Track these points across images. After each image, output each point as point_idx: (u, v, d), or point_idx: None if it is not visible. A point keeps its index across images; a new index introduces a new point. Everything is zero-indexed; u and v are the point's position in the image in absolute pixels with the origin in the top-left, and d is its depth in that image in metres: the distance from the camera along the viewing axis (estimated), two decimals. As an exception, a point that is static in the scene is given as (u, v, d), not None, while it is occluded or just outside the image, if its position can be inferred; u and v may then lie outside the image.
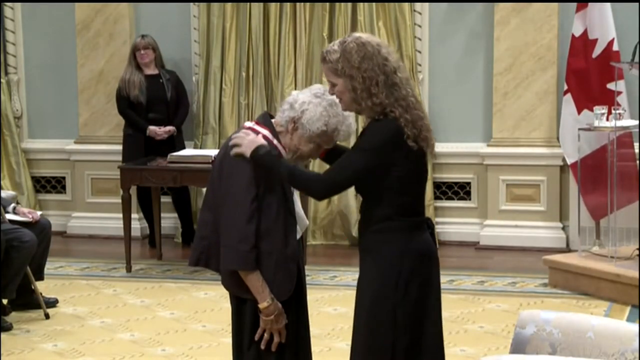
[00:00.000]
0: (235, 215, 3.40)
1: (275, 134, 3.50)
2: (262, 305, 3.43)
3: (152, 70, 7.96)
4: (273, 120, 3.54)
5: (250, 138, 3.42)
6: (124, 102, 7.92)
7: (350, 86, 3.31)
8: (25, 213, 6.26)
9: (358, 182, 3.38)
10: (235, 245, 3.39)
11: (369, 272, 3.40)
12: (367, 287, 3.40)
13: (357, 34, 3.40)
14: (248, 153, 3.38)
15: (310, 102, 3.44)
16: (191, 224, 8.16)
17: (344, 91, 3.34)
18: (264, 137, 3.47)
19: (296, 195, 3.58)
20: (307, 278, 6.86)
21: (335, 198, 8.12)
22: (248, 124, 3.56)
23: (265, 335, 3.47)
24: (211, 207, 3.52)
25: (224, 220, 3.43)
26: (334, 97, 3.41)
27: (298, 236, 3.54)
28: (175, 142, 7.92)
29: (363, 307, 3.41)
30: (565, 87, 7.46)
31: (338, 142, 3.59)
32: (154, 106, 7.92)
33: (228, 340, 5.36)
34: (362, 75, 3.28)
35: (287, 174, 3.37)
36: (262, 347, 3.48)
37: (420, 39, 8.05)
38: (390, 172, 3.31)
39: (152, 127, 7.86)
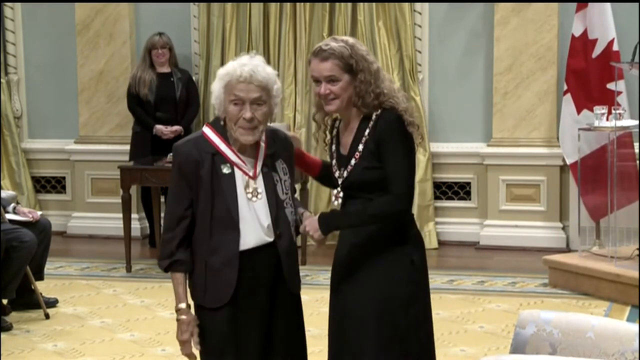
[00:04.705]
0: (166, 220, 3.38)
1: (226, 137, 3.30)
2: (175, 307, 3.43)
3: (164, 69, 7.94)
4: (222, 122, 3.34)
5: (309, 226, 3.49)
6: (133, 100, 7.90)
7: (357, 81, 3.31)
8: (26, 213, 6.26)
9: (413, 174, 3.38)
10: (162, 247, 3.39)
11: (377, 264, 3.39)
12: (376, 281, 3.38)
13: (339, 37, 3.42)
14: (321, 234, 3.51)
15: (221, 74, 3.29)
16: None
17: (346, 87, 3.32)
18: (217, 148, 3.29)
19: (262, 205, 3.32)
20: (307, 278, 6.92)
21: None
22: (205, 129, 3.35)
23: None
24: None
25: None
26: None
27: (245, 247, 3.28)
28: None
29: (370, 299, 3.37)
30: (565, 87, 7.46)
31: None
32: (163, 105, 7.89)
33: (228, 340, 5.38)
34: (370, 68, 3.33)
35: (363, 219, 3.42)
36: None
37: (420, 39, 8.05)
38: None
39: (158, 126, 7.84)
